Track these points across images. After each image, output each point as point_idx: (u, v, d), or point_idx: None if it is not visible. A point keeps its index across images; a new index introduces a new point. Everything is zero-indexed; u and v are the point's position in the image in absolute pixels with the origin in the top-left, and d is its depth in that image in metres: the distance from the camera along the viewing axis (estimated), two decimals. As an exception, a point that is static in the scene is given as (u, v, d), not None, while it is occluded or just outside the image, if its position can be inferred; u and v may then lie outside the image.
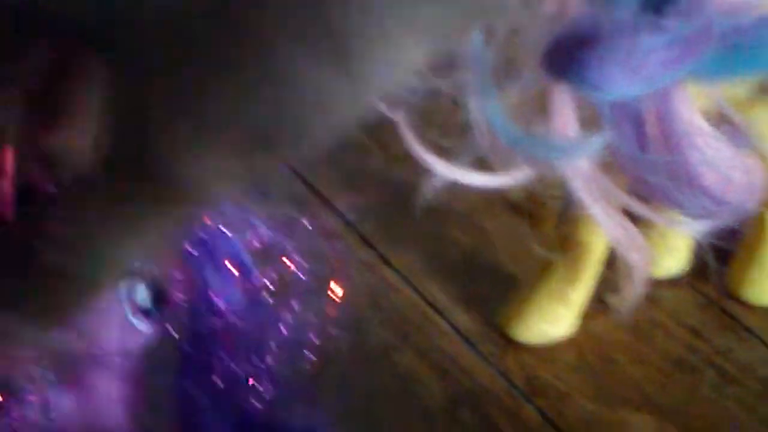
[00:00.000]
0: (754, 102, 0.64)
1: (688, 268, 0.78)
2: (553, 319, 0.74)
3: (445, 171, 0.57)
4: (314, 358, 0.56)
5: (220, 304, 0.51)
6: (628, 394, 0.71)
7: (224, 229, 0.50)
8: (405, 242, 0.83)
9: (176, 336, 0.51)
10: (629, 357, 0.73)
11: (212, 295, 0.51)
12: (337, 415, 0.69)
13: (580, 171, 0.58)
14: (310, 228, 0.56)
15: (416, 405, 0.71)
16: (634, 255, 0.67)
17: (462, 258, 0.82)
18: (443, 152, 0.57)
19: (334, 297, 0.57)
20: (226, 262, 0.51)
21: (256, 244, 0.51)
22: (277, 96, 0.32)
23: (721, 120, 0.57)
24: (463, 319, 0.77)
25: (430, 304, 0.78)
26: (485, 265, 0.81)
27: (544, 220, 0.72)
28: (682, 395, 0.71)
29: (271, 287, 0.53)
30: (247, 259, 0.51)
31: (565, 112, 0.55)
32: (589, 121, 0.55)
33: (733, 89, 0.62)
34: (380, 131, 0.89)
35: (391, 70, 0.34)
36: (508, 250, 0.81)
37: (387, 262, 0.81)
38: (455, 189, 0.59)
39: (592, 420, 0.69)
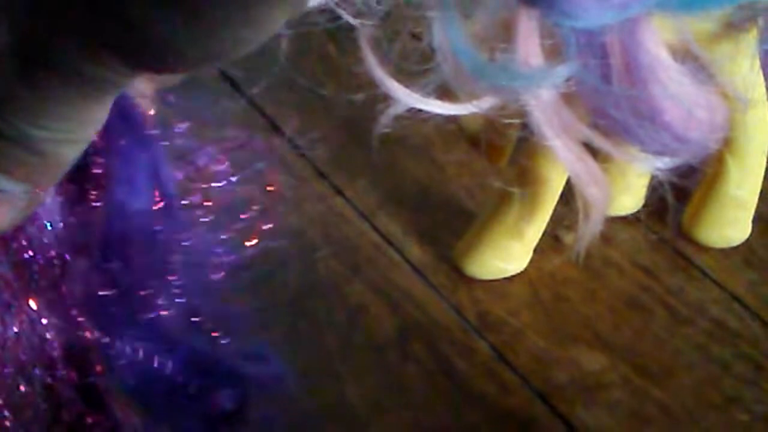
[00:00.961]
0: (720, 38, 0.63)
1: (643, 207, 0.78)
2: (506, 254, 0.73)
3: (405, 98, 0.56)
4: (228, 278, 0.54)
5: (136, 203, 0.49)
6: (579, 332, 0.70)
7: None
8: (358, 173, 0.82)
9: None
10: (582, 295, 0.73)
11: (127, 192, 0.49)
12: (285, 346, 0.68)
13: (542, 102, 0.57)
14: (257, 152, 0.54)
15: (366, 338, 0.70)
16: (592, 190, 0.66)
17: (416, 190, 0.81)
18: (403, 79, 0.56)
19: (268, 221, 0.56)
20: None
21: (200, 164, 0.49)
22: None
23: (686, 55, 0.56)
24: (416, 252, 0.76)
25: (383, 236, 0.77)
26: (440, 198, 0.80)
27: (502, 154, 0.71)
28: (633, 334, 0.70)
29: (194, 202, 0.52)
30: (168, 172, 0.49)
31: (530, 40, 0.53)
32: (553, 51, 0.53)
33: (700, 24, 0.61)
34: (337, 58, 0.88)
35: None
36: (464, 184, 0.80)
37: (340, 193, 0.80)
38: (411, 120, 0.58)
39: (544, 357, 0.69)
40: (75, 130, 0.37)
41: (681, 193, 0.77)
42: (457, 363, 0.68)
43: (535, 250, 0.74)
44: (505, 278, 0.74)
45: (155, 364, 0.54)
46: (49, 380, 0.47)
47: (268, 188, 0.56)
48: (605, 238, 0.74)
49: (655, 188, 0.76)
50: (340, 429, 0.64)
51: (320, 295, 0.72)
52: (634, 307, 0.72)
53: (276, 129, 0.86)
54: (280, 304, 0.71)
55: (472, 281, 0.73)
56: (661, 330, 0.71)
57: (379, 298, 0.72)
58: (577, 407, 0.66)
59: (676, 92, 0.56)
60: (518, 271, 0.74)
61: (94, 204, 0.48)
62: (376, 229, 0.77)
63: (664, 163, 0.62)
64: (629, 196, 0.77)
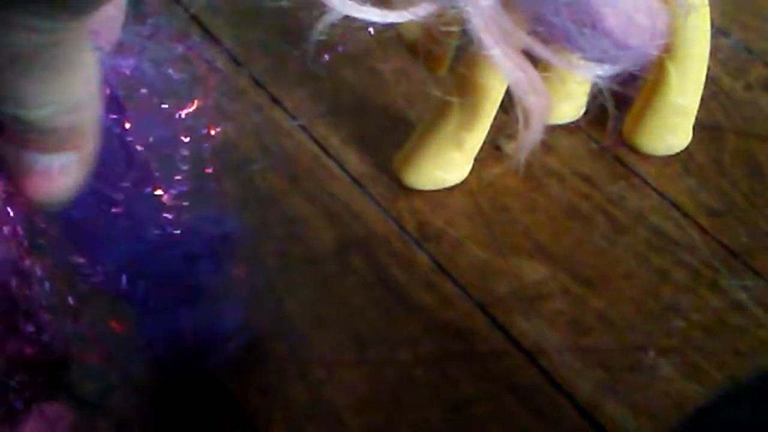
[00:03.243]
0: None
1: (583, 115, 0.77)
2: (446, 164, 0.72)
3: (340, 5, 0.54)
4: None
5: None
6: (520, 242, 0.70)
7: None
8: (296, 83, 0.80)
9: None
10: (521, 204, 0.73)
11: None
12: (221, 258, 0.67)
13: (481, 9, 0.56)
14: (194, 60, 0.53)
15: (305, 250, 0.69)
16: (532, 99, 0.65)
17: (355, 100, 0.79)
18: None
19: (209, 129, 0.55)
20: None
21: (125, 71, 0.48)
22: None
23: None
24: (355, 162, 0.74)
25: (321, 147, 0.75)
26: (378, 108, 0.79)
27: (441, 63, 0.70)
28: (573, 244, 0.70)
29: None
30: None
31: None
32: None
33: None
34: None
35: None
36: (403, 92, 0.79)
37: (277, 102, 0.78)
38: (348, 28, 0.56)
39: (484, 267, 0.68)
40: (59, 99, 0.35)
41: (622, 101, 0.76)
42: (396, 274, 0.68)
43: (475, 160, 0.73)
44: (444, 188, 0.73)
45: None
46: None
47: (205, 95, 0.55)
48: (546, 146, 0.73)
49: (595, 96, 0.76)
50: (280, 345, 0.63)
51: (257, 207, 0.71)
52: (574, 217, 0.72)
53: (214, 40, 0.83)
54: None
55: (411, 192, 0.73)
56: (600, 239, 0.71)
57: (317, 210, 0.71)
58: (516, 318, 0.65)
59: (616, -2, 0.55)
60: (458, 181, 0.73)
61: None
62: (314, 139, 0.76)
63: (604, 70, 0.61)
64: (570, 104, 0.77)
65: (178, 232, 0.55)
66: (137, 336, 0.59)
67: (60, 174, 0.38)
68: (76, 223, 0.51)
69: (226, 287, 0.60)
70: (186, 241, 0.57)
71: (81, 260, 0.52)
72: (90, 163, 0.39)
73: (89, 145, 0.38)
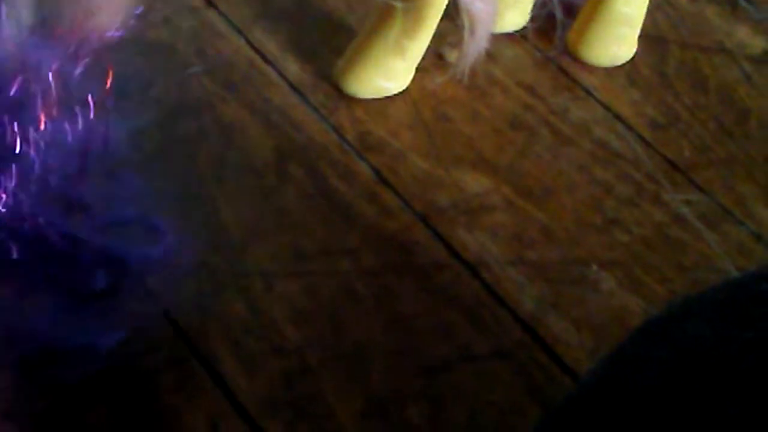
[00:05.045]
0: None
1: (530, 24, 0.76)
2: (388, 72, 0.70)
3: None
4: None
5: None
6: (462, 153, 0.69)
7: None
8: (232, -15, 0.77)
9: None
10: (464, 115, 0.71)
11: None
12: (155, 169, 0.65)
13: None
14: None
15: (243, 159, 0.67)
16: (478, 5, 0.64)
17: (293, 3, 0.76)
18: None
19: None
20: None
21: None
22: None
23: None
24: (294, 69, 0.72)
25: (259, 53, 0.73)
26: (318, 13, 0.76)
27: (384, -34, 0.68)
28: (516, 155, 0.69)
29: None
30: None
31: None
32: None
33: None
34: None
35: None
36: (344, -3, 0.77)
37: (213, 6, 0.75)
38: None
39: (426, 178, 0.67)
40: None
41: (569, 10, 0.75)
42: (336, 185, 0.66)
43: (417, 69, 0.71)
44: (386, 97, 0.71)
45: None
46: None
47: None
48: (490, 56, 0.72)
49: (543, 4, 0.74)
50: (216, 256, 0.62)
51: (193, 114, 0.69)
52: (517, 128, 0.71)
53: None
54: (150, 124, 0.67)
55: (352, 100, 0.71)
56: (544, 151, 0.69)
57: (255, 118, 0.69)
58: (458, 230, 0.64)
59: None
60: (400, 89, 0.71)
61: None
62: (251, 44, 0.73)
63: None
64: (516, 13, 0.75)
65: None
66: None
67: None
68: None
69: (111, 306, 0.57)
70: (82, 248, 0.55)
71: None
72: None
73: None
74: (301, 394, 0.56)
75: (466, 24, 0.65)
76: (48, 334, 0.55)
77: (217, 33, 0.74)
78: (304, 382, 0.57)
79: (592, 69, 0.74)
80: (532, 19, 0.75)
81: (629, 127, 0.71)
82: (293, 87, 0.71)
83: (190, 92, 0.70)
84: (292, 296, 0.60)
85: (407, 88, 0.71)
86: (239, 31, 0.74)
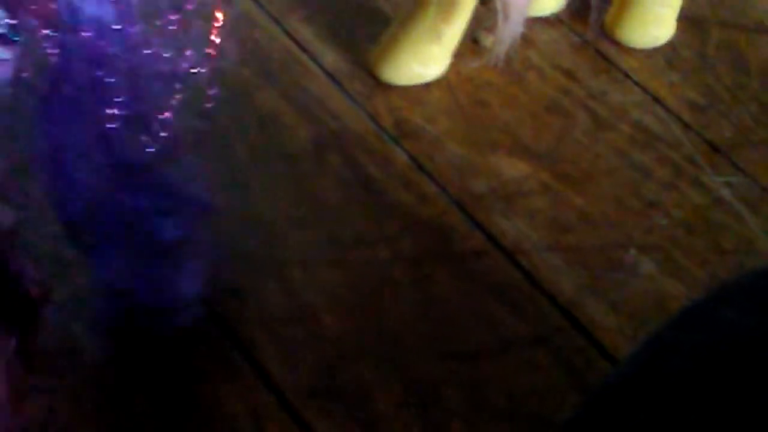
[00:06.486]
0: None
1: (565, 7, 0.75)
2: (424, 59, 0.70)
3: None
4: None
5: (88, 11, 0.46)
6: (499, 138, 0.69)
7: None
8: (268, -26, 0.77)
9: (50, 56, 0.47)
10: (501, 100, 0.71)
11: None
12: (194, 158, 0.65)
13: None
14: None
15: (280, 148, 0.67)
16: (512, -9, 0.63)
17: (329, -8, 0.77)
18: None
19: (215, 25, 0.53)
20: None
21: None
22: None
23: None
24: (330, 58, 0.72)
25: (296, 42, 0.73)
26: (354, 1, 0.76)
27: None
28: (554, 140, 0.69)
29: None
30: None
31: None
32: None
33: None
34: None
35: None
36: (379, -15, 0.77)
37: (249, -4, 0.76)
38: None
39: (462, 164, 0.67)
40: None
41: (604, -7, 0.74)
42: (373, 173, 0.66)
43: (453, 54, 0.71)
44: (422, 84, 0.71)
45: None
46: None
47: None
48: (526, 40, 0.71)
49: (577, -12, 0.74)
50: (254, 245, 0.62)
51: (229, 102, 0.69)
52: (554, 112, 0.70)
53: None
54: (188, 113, 0.67)
55: (388, 88, 0.71)
56: (582, 135, 0.69)
57: (292, 107, 0.69)
58: (495, 216, 0.64)
59: None
60: (436, 76, 0.71)
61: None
62: (288, 33, 0.74)
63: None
64: (551, -4, 0.74)
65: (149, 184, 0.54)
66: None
67: None
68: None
69: (189, 251, 0.57)
70: (154, 195, 0.55)
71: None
72: None
73: None
74: (339, 381, 0.57)
75: (501, 9, 0.65)
76: (137, 289, 0.56)
77: (255, 23, 0.74)
78: (343, 369, 0.57)
79: (630, 51, 0.74)
80: (568, 2, 0.75)
81: (668, 110, 0.71)
82: (330, 75, 0.71)
83: (227, 80, 0.70)
84: (330, 284, 0.61)
85: (443, 74, 0.71)
86: (276, 21, 0.74)
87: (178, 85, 0.52)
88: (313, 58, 0.72)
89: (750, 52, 0.74)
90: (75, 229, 0.55)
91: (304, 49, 0.73)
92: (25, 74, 0.47)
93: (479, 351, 0.58)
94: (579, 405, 0.49)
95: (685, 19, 0.75)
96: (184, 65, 0.52)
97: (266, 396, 0.56)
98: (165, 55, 0.51)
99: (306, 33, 0.74)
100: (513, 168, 0.67)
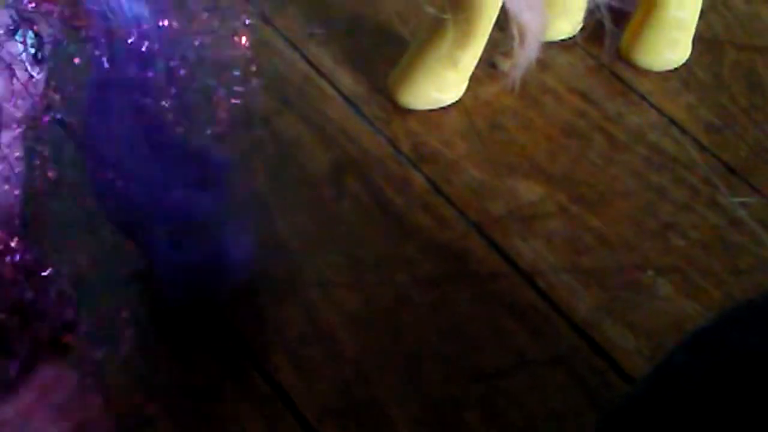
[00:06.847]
0: None
1: (580, 32, 0.76)
2: (441, 84, 0.71)
3: None
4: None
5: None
6: (516, 162, 0.69)
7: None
8: (287, 1, 0.78)
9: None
10: (518, 123, 0.71)
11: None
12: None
13: None
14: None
15: (299, 172, 0.68)
16: (528, 15, 0.64)
17: (347, 18, 0.78)
18: None
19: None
20: None
21: None
22: None
23: None
24: (348, 82, 0.73)
25: (314, 67, 0.74)
26: (371, 26, 0.77)
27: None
28: (570, 162, 0.69)
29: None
30: None
31: None
32: None
33: None
34: None
35: None
36: (396, 10, 0.77)
37: (268, 22, 0.77)
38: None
39: (480, 187, 0.67)
40: None
41: (619, 16, 0.75)
42: (392, 196, 0.67)
43: (470, 79, 0.72)
44: (440, 108, 0.72)
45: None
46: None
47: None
48: (542, 64, 0.72)
49: (592, 11, 0.74)
50: (274, 267, 0.63)
51: (249, 128, 0.70)
52: (571, 135, 0.71)
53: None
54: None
55: (406, 112, 0.71)
56: (598, 157, 0.70)
57: (311, 132, 0.70)
58: (513, 238, 0.65)
59: None
60: (453, 100, 0.72)
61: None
62: (306, 59, 0.75)
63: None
64: (566, 20, 0.75)
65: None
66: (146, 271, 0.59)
67: None
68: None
69: (231, 218, 0.59)
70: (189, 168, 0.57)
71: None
72: None
73: None
74: (358, 401, 0.57)
75: (517, 34, 0.66)
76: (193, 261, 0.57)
77: (273, 48, 0.75)
78: (361, 389, 0.58)
79: (645, 73, 0.74)
80: (583, 26, 0.75)
81: (684, 131, 0.71)
82: (348, 100, 0.72)
83: (246, 106, 0.71)
84: (348, 306, 0.61)
85: (460, 98, 0.72)
86: (294, 46, 0.75)
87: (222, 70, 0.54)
88: (332, 83, 0.73)
89: (765, 73, 0.75)
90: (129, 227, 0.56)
91: (322, 75, 0.74)
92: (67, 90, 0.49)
93: (497, 371, 0.59)
94: (590, 427, 0.50)
95: (700, 40, 0.75)
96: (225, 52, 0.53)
97: (287, 416, 0.56)
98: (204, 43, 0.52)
99: (324, 59, 0.75)
100: (530, 191, 0.67)
